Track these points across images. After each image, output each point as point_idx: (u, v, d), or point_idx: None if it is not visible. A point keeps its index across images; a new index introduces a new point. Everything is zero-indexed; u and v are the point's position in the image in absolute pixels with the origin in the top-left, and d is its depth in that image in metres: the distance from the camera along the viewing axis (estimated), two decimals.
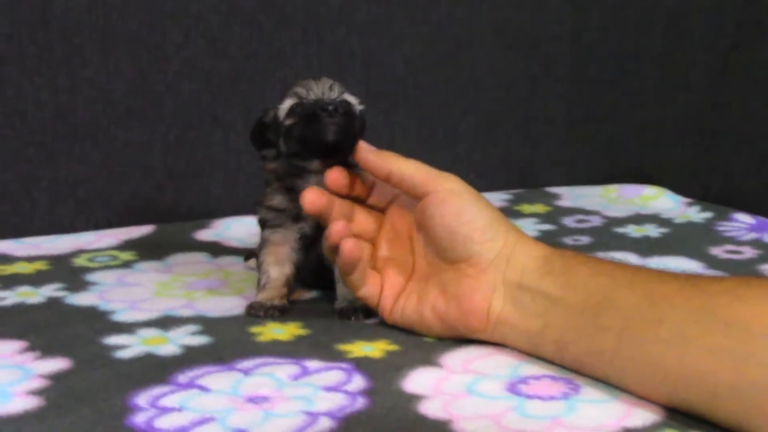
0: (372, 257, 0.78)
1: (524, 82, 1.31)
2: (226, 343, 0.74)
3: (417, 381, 0.67)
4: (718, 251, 1.00)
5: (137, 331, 0.76)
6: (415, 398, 0.64)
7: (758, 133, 1.21)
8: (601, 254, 0.95)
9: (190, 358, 0.71)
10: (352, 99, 0.81)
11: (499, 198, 1.23)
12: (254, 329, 0.77)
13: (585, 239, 1.05)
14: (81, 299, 0.84)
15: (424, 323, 0.75)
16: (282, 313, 0.80)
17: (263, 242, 0.83)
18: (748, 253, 0.99)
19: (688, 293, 0.61)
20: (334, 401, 0.64)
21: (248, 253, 0.94)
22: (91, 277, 0.91)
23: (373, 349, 0.73)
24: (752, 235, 1.06)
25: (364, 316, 0.79)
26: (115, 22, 1.08)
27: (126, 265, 0.95)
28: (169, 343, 0.74)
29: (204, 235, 1.06)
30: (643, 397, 0.63)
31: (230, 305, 0.82)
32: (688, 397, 0.60)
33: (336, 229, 0.75)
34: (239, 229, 1.07)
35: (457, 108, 1.28)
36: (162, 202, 1.13)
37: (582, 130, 1.34)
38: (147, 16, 1.09)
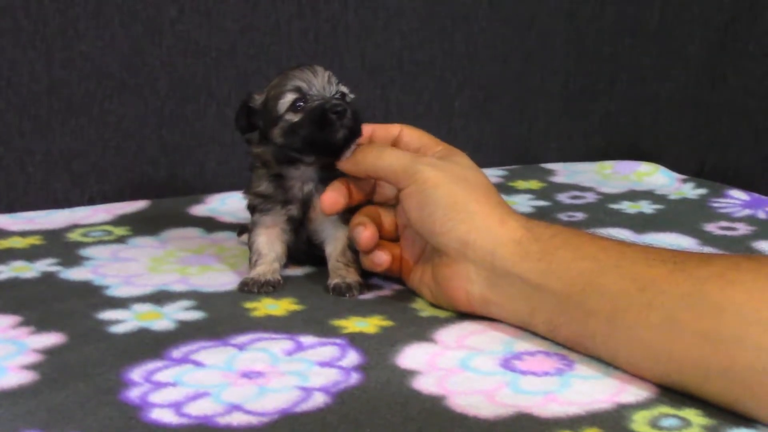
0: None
1: (520, 58, 1.30)
2: (221, 319, 0.74)
3: (411, 356, 0.67)
4: (712, 227, 1.00)
5: (131, 306, 0.76)
6: (409, 374, 0.65)
7: (755, 108, 1.20)
8: (595, 230, 0.95)
9: (185, 333, 0.71)
10: (344, 89, 0.80)
11: (494, 174, 1.22)
12: (248, 305, 0.77)
13: (579, 215, 1.05)
14: (75, 274, 0.84)
15: (429, 298, 0.77)
16: (275, 288, 0.80)
17: (254, 225, 0.83)
18: (742, 229, 0.99)
19: (677, 278, 0.61)
20: (329, 376, 0.64)
21: (241, 228, 0.94)
22: (85, 252, 0.90)
23: (368, 324, 0.73)
24: (746, 212, 1.06)
25: (358, 293, 0.79)
26: None
27: (120, 240, 0.94)
28: (164, 318, 0.74)
29: (198, 210, 1.06)
30: (635, 376, 0.63)
31: (224, 280, 0.82)
32: (680, 379, 0.60)
33: (365, 236, 0.77)
34: (234, 204, 1.06)
35: (453, 83, 1.27)
36: (157, 177, 1.13)
37: (578, 105, 1.34)
38: None
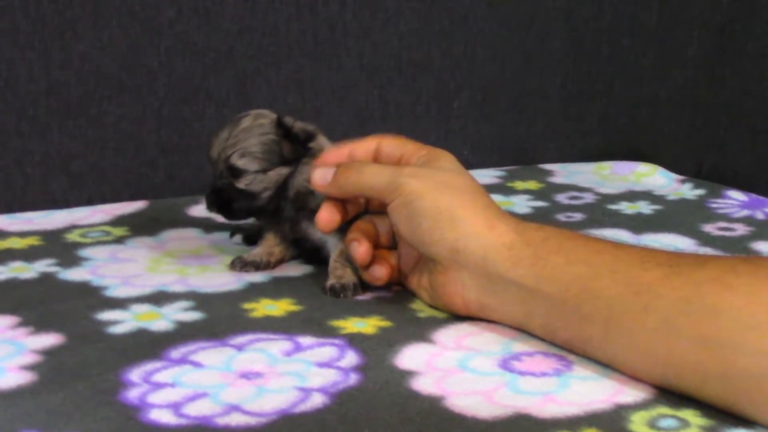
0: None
1: (518, 58, 1.30)
2: (219, 319, 0.74)
3: (410, 357, 0.67)
4: (710, 228, 1.00)
5: (130, 307, 0.76)
6: (407, 374, 0.65)
7: (753, 109, 1.20)
8: (593, 231, 0.95)
9: (183, 333, 0.71)
10: (241, 162, 0.81)
11: (492, 175, 1.22)
12: (247, 305, 0.77)
13: (578, 216, 1.05)
14: (74, 275, 0.84)
15: (428, 301, 0.77)
16: (258, 269, 0.84)
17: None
18: (741, 230, 0.99)
19: (674, 282, 0.60)
20: (327, 377, 0.64)
21: (234, 230, 0.94)
22: (83, 252, 0.90)
23: (366, 325, 0.73)
24: (745, 212, 1.06)
25: (353, 293, 0.79)
26: None
27: (119, 240, 0.94)
28: (162, 319, 0.74)
29: (197, 210, 1.05)
30: (633, 378, 0.63)
31: (223, 281, 0.82)
32: (677, 383, 0.60)
33: (360, 253, 0.77)
34: None
35: (451, 84, 1.27)
36: (155, 177, 1.13)
37: (576, 106, 1.34)
38: None
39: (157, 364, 0.66)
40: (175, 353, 0.68)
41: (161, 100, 1.12)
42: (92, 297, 0.79)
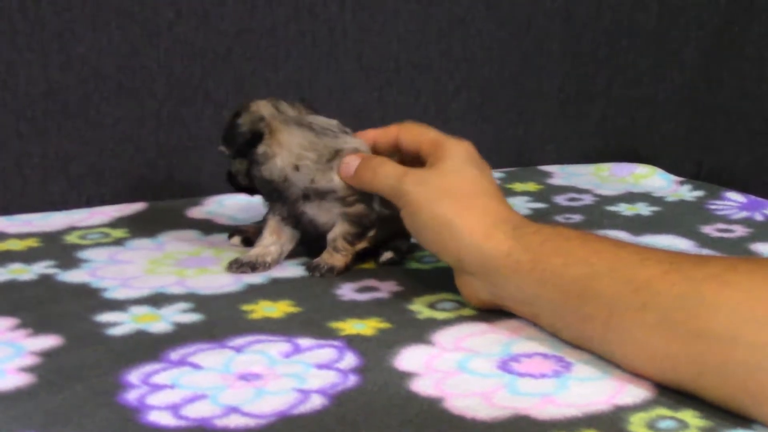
0: None
1: (517, 59, 1.30)
2: (218, 321, 0.74)
3: (409, 358, 0.67)
4: (709, 230, 1.00)
5: (129, 309, 0.76)
6: (406, 376, 0.65)
7: (751, 110, 1.21)
8: (592, 232, 0.95)
9: (182, 335, 0.71)
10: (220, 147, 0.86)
11: None
12: (246, 307, 0.77)
13: (577, 217, 1.05)
14: (73, 276, 0.84)
15: None
16: (253, 270, 0.84)
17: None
18: (739, 231, 0.99)
19: (673, 278, 0.61)
20: (326, 379, 0.64)
21: (232, 231, 0.94)
22: (82, 254, 0.90)
23: (365, 326, 0.73)
24: (743, 214, 1.06)
25: (320, 273, 0.83)
26: None
27: (118, 242, 0.94)
28: (161, 321, 0.74)
29: (196, 212, 1.06)
30: (632, 376, 0.63)
31: (222, 283, 0.82)
32: (675, 377, 0.61)
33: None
34: (231, 206, 1.07)
35: (450, 85, 1.27)
36: (154, 179, 1.13)
37: (574, 107, 1.34)
38: None
39: (156, 366, 0.66)
40: (174, 355, 0.68)
41: (160, 101, 1.12)
42: (91, 299, 0.79)
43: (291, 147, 0.82)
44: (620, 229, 0.99)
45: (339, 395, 0.62)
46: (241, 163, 0.85)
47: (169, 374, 0.65)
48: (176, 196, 1.11)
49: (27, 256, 0.90)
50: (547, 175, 1.25)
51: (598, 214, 1.06)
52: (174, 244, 0.94)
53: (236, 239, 0.92)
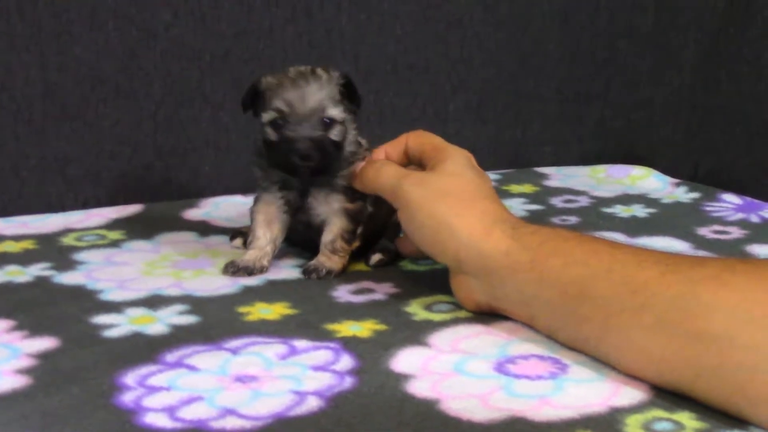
0: None
1: (514, 61, 1.30)
2: (214, 323, 0.74)
3: (405, 360, 0.67)
4: (705, 231, 1.00)
5: (125, 311, 0.76)
6: (403, 377, 0.65)
7: (748, 112, 1.21)
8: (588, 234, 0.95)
9: (178, 337, 0.71)
10: (335, 112, 0.82)
11: None
12: (242, 309, 0.77)
13: (573, 219, 1.05)
14: (69, 278, 0.84)
15: None
16: (252, 274, 0.84)
17: (256, 197, 0.86)
18: (735, 233, 0.99)
19: (670, 280, 0.61)
20: (322, 380, 0.64)
21: (234, 233, 0.94)
22: (79, 256, 0.90)
23: (361, 328, 0.73)
24: (739, 216, 1.06)
25: (317, 276, 0.83)
26: (104, 0, 1.07)
27: (114, 244, 0.94)
28: (158, 323, 0.74)
29: (193, 214, 1.06)
30: (629, 378, 0.63)
31: (218, 285, 0.83)
32: (672, 379, 0.61)
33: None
34: (228, 208, 1.07)
35: (447, 87, 1.27)
36: (151, 181, 1.13)
37: (572, 109, 1.34)
38: None
39: (152, 368, 0.66)
40: (171, 357, 0.68)
41: (157, 103, 1.12)
42: (87, 300, 0.79)
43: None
44: (616, 231, 0.99)
45: (335, 397, 0.62)
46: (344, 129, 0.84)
47: (165, 376, 0.65)
48: (173, 198, 1.11)
49: (23, 258, 0.90)
50: (544, 176, 1.25)
51: (594, 216, 1.06)
52: (170, 246, 0.94)
53: (238, 241, 0.92)
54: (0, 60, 1.04)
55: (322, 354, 0.68)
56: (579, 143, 1.35)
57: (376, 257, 0.87)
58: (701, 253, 0.92)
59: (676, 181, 1.21)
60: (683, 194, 1.16)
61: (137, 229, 0.99)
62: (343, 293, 0.81)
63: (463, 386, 0.64)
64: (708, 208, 1.09)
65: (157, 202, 1.10)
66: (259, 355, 0.68)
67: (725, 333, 0.57)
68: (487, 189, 0.77)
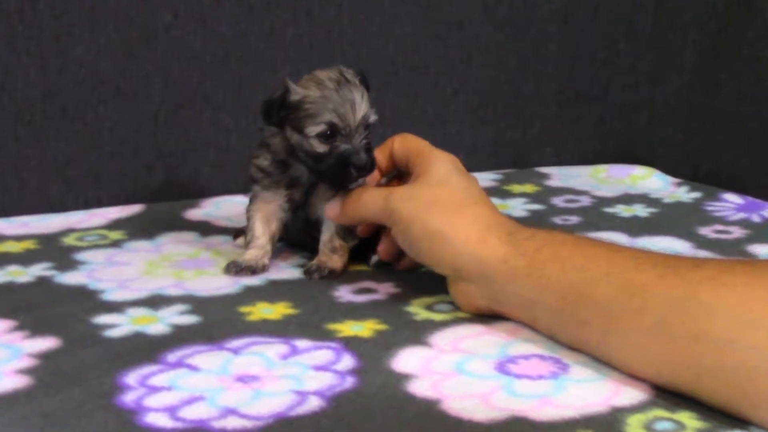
0: None
1: (514, 62, 1.30)
2: (216, 323, 0.74)
3: (406, 360, 0.67)
4: (706, 231, 1.00)
5: (126, 311, 0.76)
6: (404, 377, 0.65)
7: (749, 112, 1.21)
8: (589, 234, 0.95)
9: (180, 337, 0.71)
10: (374, 117, 0.82)
11: (488, 178, 1.23)
12: (243, 309, 0.77)
13: (574, 219, 1.05)
14: (70, 278, 0.84)
15: None
16: (255, 273, 0.84)
17: (253, 197, 0.86)
18: (737, 233, 0.99)
19: (669, 281, 0.61)
20: (324, 380, 0.64)
21: (237, 232, 0.94)
22: (80, 256, 0.90)
23: (363, 328, 0.73)
24: (741, 215, 1.06)
25: (320, 275, 0.83)
26: (105, 1, 1.07)
27: (115, 244, 0.94)
28: (159, 323, 0.74)
29: (193, 214, 1.06)
30: (630, 378, 0.63)
31: (219, 284, 0.83)
32: (673, 380, 0.61)
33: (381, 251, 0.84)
34: (229, 208, 1.07)
35: (448, 88, 1.27)
36: (152, 182, 1.13)
37: (572, 109, 1.34)
38: None
39: (153, 368, 0.66)
40: (172, 357, 0.68)
41: (158, 104, 1.12)
42: (88, 301, 0.79)
43: None
44: (617, 231, 0.99)
45: (336, 397, 0.62)
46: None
47: (166, 376, 0.65)
48: (174, 198, 1.11)
49: (24, 258, 0.90)
50: (545, 176, 1.25)
51: (595, 216, 1.06)
52: (171, 246, 0.94)
53: (241, 240, 0.92)
54: (0, 61, 1.04)
55: (323, 354, 0.68)
56: (579, 144, 1.35)
57: (376, 257, 0.87)
58: (702, 252, 0.92)
59: (678, 180, 1.21)
60: (685, 194, 1.16)
61: (138, 229, 0.99)
62: (345, 293, 0.81)
63: (464, 386, 0.64)
64: (709, 208, 1.09)
65: (158, 202, 1.10)
66: (261, 355, 0.68)
67: (725, 334, 0.57)
68: (476, 193, 0.76)
